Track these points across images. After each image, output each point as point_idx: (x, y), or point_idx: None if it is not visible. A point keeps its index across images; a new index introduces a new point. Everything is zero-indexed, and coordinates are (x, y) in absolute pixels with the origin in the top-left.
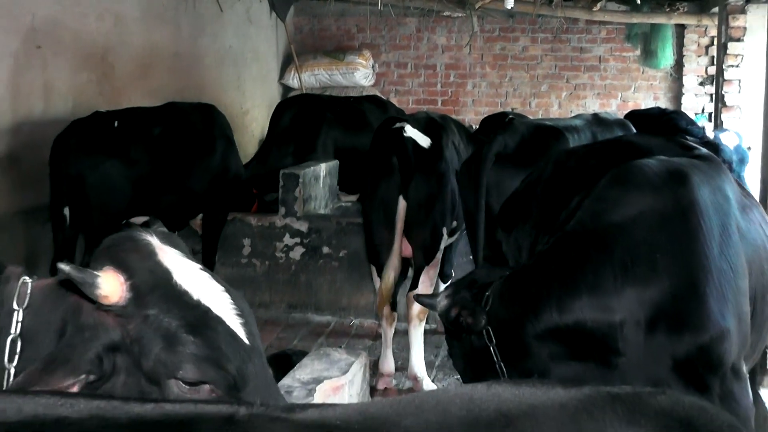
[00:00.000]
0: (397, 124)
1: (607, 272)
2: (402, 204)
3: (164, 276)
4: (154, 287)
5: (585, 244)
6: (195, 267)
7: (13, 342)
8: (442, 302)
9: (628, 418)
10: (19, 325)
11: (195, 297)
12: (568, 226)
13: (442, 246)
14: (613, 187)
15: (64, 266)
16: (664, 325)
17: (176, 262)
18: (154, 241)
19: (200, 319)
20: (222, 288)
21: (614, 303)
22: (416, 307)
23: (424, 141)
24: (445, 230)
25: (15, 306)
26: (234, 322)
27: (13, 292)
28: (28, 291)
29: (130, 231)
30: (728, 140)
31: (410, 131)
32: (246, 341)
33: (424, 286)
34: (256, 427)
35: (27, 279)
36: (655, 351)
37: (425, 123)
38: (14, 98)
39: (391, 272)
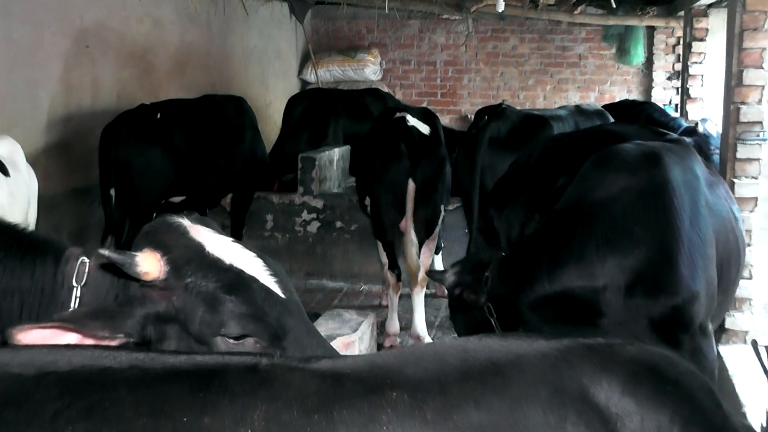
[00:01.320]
0: (398, 114)
1: (591, 244)
2: (411, 186)
3: (197, 248)
4: (189, 259)
5: (571, 221)
6: (226, 239)
7: (77, 297)
8: (449, 279)
9: (602, 366)
10: (78, 300)
11: (227, 262)
12: (557, 205)
13: (441, 220)
14: (595, 169)
15: (103, 251)
16: (641, 289)
17: (207, 236)
18: (185, 221)
19: (235, 279)
20: (254, 254)
21: (598, 270)
22: (421, 275)
23: (424, 129)
24: (443, 207)
25: (74, 283)
26: (268, 280)
27: (72, 271)
28: (86, 270)
29: (163, 216)
30: (712, 129)
31: (412, 120)
32: (282, 296)
33: (425, 257)
34: (277, 376)
35: (85, 259)
36: (633, 312)
37: (422, 113)
38: (66, 92)
39: (412, 248)
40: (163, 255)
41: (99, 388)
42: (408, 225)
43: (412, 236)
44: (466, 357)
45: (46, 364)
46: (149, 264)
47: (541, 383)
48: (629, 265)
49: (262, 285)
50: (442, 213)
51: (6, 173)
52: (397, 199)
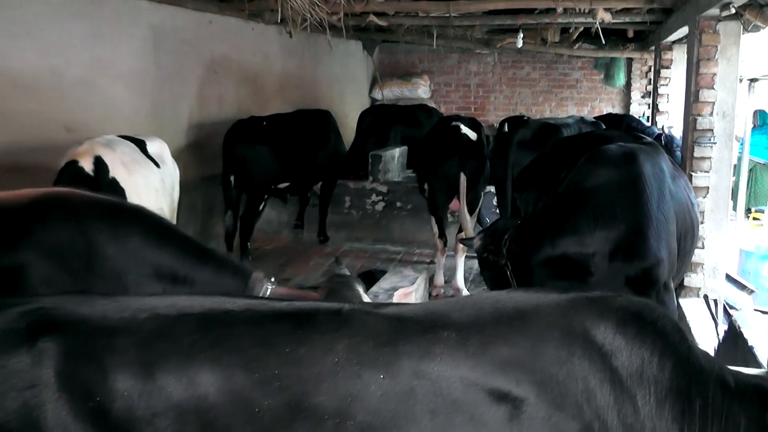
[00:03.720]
0: (453, 123)
1: (584, 220)
2: (463, 178)
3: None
4: None
5: (569, 203)
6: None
7: None
8: (476, 243)
9: (599, 313)
10: None
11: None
12: (559, 189)
13: (481, 203)
14: (587, 164)
15: (282, 289)
16: (620, 255)
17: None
18: (360, 290)
19: None
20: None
21: (588, 241)
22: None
23: (473, 135)
24: (482, 194)
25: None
26: None
27: (260, 290)
28: (268, 293)
29: (344, 278)
30: (675, 134)
31: (464, 129)
32: None
33: (468, 230)
34: (355, 317)
35: (268, 285)
36: (614, 273)
37: (470, 122)
38: (199, 105)
39: (466, 222)
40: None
41: (223, 324)
42: (462, 206)
43: (466, 214)
44: (498, 306)
45: (185, 307)
46: None
47: (555, 326)
48: (612, 237)
49: None
50: (482, 198)
51: (157, 165)
52: (449, 187)
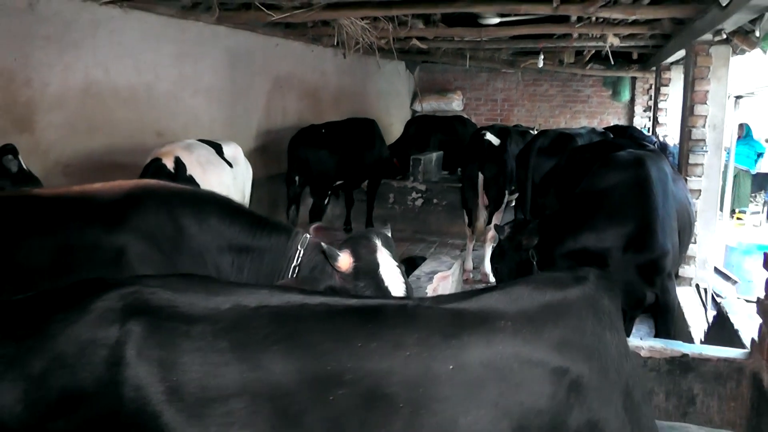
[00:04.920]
0: (482, 131)
1: (601, 219)
2: (481, 177)
3: (375, 267)
4: (367, 272)
5: (588, 203)
6: (393, 264)
7: (294, 267)
8: (506, 231)
9: (604, 290)
10: (298, 259)
11: (386, 283)
12: (578, 190)
13: (506, 200)
14: (602, 168)
15: (324, 245)
16: (632, 248)
17: (385, 259)
18: (378, 243)
19: (383, 294)
20: (403, 280)
21: (605, 236)
22: (490, 234)
23: (495, 141)
24: (506, 192)
25: (299, 247)
26: (397, 286)
27: (297, 243)
28: (306, 242)
29: (368, 231)
30: (670, 142)
31: (489, 136)
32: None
33: (496, 222)
34: (420, 312)
35: (307, 236)
36: (627, 263)
37: (498, 130)
38: (267, 116)
39: (481, 217)
40: (354, 261)
41: (297, 319)
42: (480, 202)
43: (482, 209)
44: (535, 294)
45: (263, 299)
46: (344, 262)
47: (587, 307)
48: (624, 233)
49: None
50: (507, 196)
51: (231, 166)
52: (473, 185)
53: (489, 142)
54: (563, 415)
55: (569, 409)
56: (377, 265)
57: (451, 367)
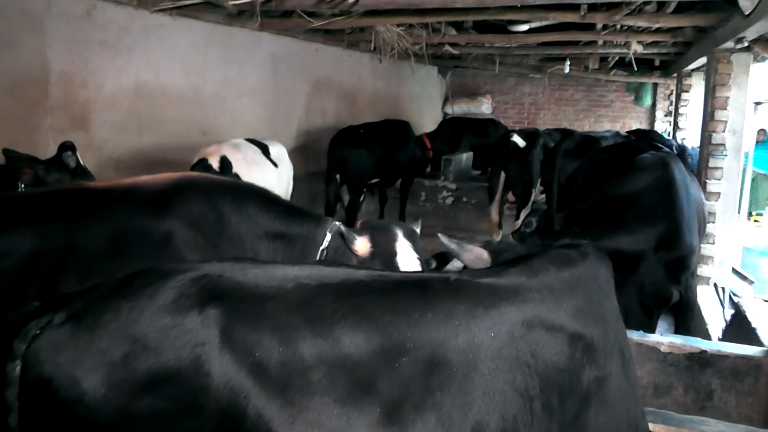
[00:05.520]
0: (510, 133)
1: (634, 221)
2: (502, 176)
3: (392, 255)
4: (383, 258)
5: (619, 205)
6: (413, 256)
7: (322, 251)
8: (533, 224)
9: (600, 261)
10: (328, 242)
11: (398, 265)
12: (608, 191)
13: (533, 198)
14: (630, 170)
15: (342, 228)
16: (662, 248)
17: (404, 249)
18: (399, 233)
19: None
20: (417, 260)
21: (638, 238)
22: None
23: (521, 142)
24: (533, 190)
25: (327, 233)
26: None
27: (325, 230)
28: (335, 229)
29: (390, 221)
30: (688, 145)
31: (515, 137)
32: None
33: (494, 217)
34: (462, 286)
35: (336, 223)
36: (656, 262)
37: (527, 132)
38: (307, 116)
39: (495, 213)
40: (372, 247)
41: (357, 294)
42: (500, 198)
43: (498, 205)
44: (552, 269)
45: (323, 278)
46: (362, 246)
47: (591, 278)
48: (655, 234)
49: None
50: (533, 193)
51: (276, 165)
52: (497, 183)
53: (515, 143)
54: (578, 373)
55: (583, 367)
56: (394, 254)
57: (492, 334)
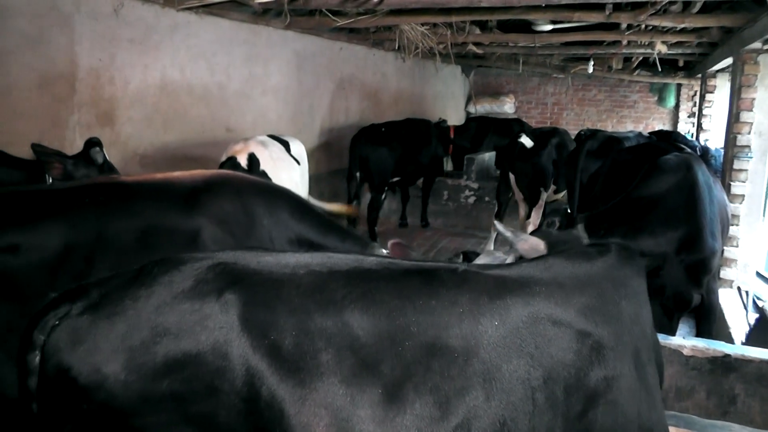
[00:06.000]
0: (519, 134)
1: (657, 223)
2: (512, 176)
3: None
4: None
5: (642, 206)
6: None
7: None
8: (556, 224)
9: (623, 263)
10: None
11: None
12: (631, 192)
13: (543, 198)
14: (653, 171)
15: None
16: (684, 250)
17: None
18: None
19: None
20: None
21: (661, 240)
22: (530, 227)
23: (528, 143)
24: (543, 190)
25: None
26: None
27: (373, 251)
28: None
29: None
30: (711, 146)
31: (523, 138)
32: None
33: (535, 216)
34: (469, 276)
35: (383, 250)
36: (678, 264)
37: (538, 133)
38: (330, 114)
39: (521, 210)
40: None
41: (366, 281)
42: (518, 197)
43: (522, 204)
44: (566, 265)
45: (333, 265)
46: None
47: (607, 278)
48: (677, 236)
49: None
50: (544, 193)
51: (299, 163)
52: (504, 182)
53: (522, 144)
54: (585, 370)
55: (590, 366)
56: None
57: (496, 323)
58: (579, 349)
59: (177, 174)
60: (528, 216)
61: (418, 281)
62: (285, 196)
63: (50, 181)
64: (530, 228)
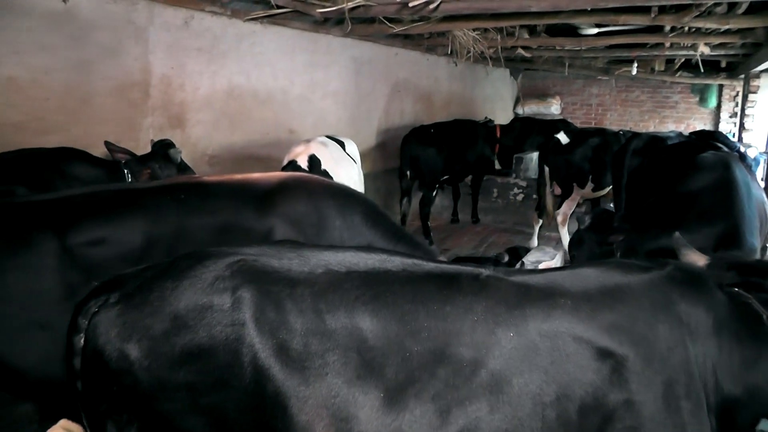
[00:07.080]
0: (556, 132)
1: (694, 220)
2: (546, 169)
3: None
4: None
5: (679, 204)
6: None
7: None
8: (587, 221)
9: (674, 287)
10: None
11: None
12: (669, 190)
13: (577, 192)
14: (690, 169)
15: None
16: (721, 247)
17: None
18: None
19: None
20: None
21: (697, 237)
22: (560, 218)
23: (564, 140)
24: (576, 185)
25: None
26: None
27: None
28: None
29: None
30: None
31: (560, 135)
32: None
33: (566, 207)
34: (491, 283)
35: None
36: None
37: (577, 131)
38: (386, 116)
39: (550, 204)
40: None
41: (382, 282)
42: (548, 190)
43: (550, 197)
44: (601, 279)
45: (352, 264)
46: None
47: (645, 298)
48: (714, 233)
49: None
50: (578, 189)
51: (355, 161)
52: (543, 177)
53: (557, 140)
54: (604, 390)
55: (610, 386)
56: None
57: (511, 334)
58: (599, 368)
59: (255, 175)
60: (558, 207)
61: (436, 286)
62: (359, 201)
63: (128, 177)
64: (559, 218)
